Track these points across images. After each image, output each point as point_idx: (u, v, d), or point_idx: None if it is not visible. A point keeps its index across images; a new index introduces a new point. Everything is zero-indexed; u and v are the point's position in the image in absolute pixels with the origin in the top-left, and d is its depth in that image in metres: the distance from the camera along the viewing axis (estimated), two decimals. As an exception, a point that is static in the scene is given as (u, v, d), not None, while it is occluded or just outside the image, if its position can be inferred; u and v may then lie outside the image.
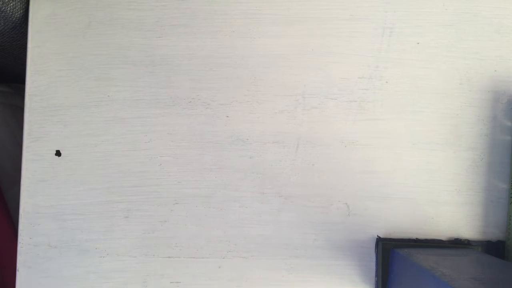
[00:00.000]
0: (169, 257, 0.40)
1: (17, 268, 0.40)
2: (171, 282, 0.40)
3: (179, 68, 0.41)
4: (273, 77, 0.41)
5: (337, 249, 0.40)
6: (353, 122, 0.41)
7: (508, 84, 0.40)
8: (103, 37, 0.41)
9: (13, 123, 0.60)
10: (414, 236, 0.40)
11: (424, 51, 0.41)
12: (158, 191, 0.40)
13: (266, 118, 0.41)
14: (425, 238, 0.39)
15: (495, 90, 0.41)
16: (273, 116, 0.41)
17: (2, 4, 0.40)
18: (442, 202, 0.40)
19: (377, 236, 0.40)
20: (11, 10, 0.42)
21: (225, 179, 0.40)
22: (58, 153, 0.41)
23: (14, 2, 0.41)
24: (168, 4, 0.42)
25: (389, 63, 0.41)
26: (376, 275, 0.39)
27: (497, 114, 0.40)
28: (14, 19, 0.43)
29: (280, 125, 0.41)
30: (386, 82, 0.41)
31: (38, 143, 0.41)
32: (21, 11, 0.43)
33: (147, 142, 0.41)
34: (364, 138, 0.40)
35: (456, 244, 0.39)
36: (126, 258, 0.40)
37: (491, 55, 0.41)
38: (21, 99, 0.42)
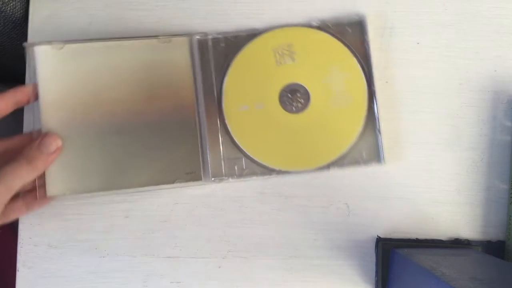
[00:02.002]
0: (169, 257, 0.40)
1: (17, 268, 0.40)
2: (171, 282, 0.40)
3: (179, 68, 0.41)
4: (273, 77, 0.41)
5: (337, 249, 0.40)
6: (353, 122, 0.41)
7: (508, 84, 0.40)
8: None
9: (13, 123, 0.60)
10: (414, 236, 0.40)
11: (424, 51, 0.41)
12: (158, 191, 0.40)
13: (266, 118, 0.41)
14: (425, 238, 0.39)
15: (495, 90, 0.41)
16: (273, 116, 0.41)
17: (2, 4, 0.40)
18: (442, 202, 0.40)
19: (377, 236, 0.40)
20: (11, 10, 0.42)
21: (225, 179, 0.40)
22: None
23: (14, 2, 0.41)
24: (168, 4, 0.42)
25: (389, 63, 0.41)
26: (376, 275, 0.39)
27: (497, 114, 0.40)
28: (14, 19, 0.43)
29: (280, 125, 0.41)
30: (386, 82, 0.41)
31: (38, 143, 0.41)
32: (21, 11, 0.43)
33: (147, 142, 0.41)
34: (364, 138, 0.40)
35: (456, 244, 0.39)
36: (126, 258, 0.40)
37: (491, 55, 0.41)
38: (21, 99, 0.42)
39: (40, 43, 0.37)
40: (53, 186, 0.37)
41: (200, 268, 0.40)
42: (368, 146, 0.39)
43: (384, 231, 0.40)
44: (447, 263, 0.32)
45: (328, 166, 0.39)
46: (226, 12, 0.41)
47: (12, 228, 0.55)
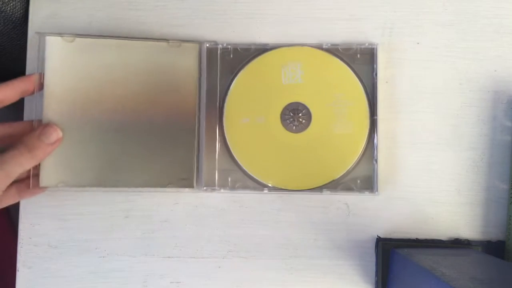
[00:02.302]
0: (169, 257, 0.40)
1: (17, 268, 0.40)
2: (171, 282, 0.40)
3: (179, 68, 0.41)
4: (273, 77, 0.41)
5: (337, 249, 0.40)
6: (353, 122, 0.41)
7: (508, 84, 0.40)
8: (103, 37, 0.41)
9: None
10: (414, 236, 0.40)
11: (424, 51, 0.41)
12: (158, 191, 0.40)
13: (266, 118, 0.41)
14: (425, 238, 0.39)
15: (495, 90, 0.41)
16: (273, 116, 0.41)
17: (2, 4, 0.40)
18: (442, 202, 0.40)
19: (377, 236, 0.40)
20: (11, 10, 0.42)
21: (225, 179, 0.40)
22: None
23: (14, 2, 0.41)
24: (168, 4, 0.42)
25: (389, 63, 0.41)
26: (376, 275, 0.39)
27: (497, 114, 0.40)
28: (14, 19, 0.43)
29: (280, 125, 0.41)
30: (386, 82, 0.41)
31: (38, 143, 0.41)
32: (21, 11, 0.43)
33: (147, 142, 0.41)
34: (364, 138, 0.40)
35: (456, 244, 0.39)
36: (126, 258, 0.40)
37: (491, 55, 0.41)
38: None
39: (52, 33, 0.38)
40: (46, 177, 0.37)
41: (200, 268, 0.40)
42: (364, 175, 0.39)
43: (384, 231, 0.40)
44: (447, 263, 0.32)
45: (321, 189, 0.39)
46: (226, 12, 0.41)
47: (12, 228, 0.55)
